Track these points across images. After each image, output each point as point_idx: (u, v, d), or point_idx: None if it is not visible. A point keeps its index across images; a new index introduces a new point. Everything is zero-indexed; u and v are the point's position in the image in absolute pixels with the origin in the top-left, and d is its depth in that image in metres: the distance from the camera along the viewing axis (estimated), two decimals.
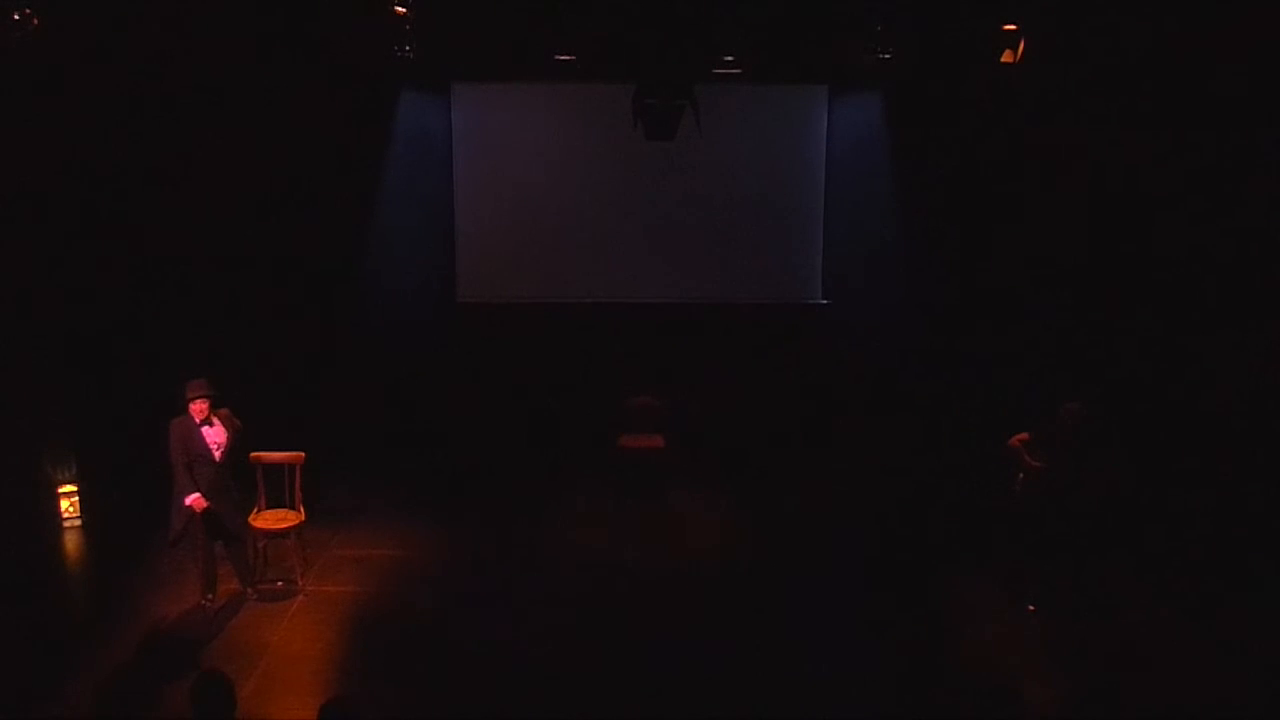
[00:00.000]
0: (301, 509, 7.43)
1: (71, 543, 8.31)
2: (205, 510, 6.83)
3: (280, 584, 7.44)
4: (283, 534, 7.34)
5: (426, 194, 10.50)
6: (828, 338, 10.63)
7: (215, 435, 6.92)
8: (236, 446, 7.04)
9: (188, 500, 6.80)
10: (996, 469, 7.64)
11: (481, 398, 10.41)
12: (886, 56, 8.53)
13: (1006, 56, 7.90)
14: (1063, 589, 7.17)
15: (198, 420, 6.85)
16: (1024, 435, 7.27)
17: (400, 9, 7.76)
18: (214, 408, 6.91)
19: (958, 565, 7.89)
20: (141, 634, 6.68)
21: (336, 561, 7.88)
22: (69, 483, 8.48)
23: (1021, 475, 7.27)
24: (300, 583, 7.40)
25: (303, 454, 7.38)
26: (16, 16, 6.42)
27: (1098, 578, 7.35)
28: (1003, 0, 7.81)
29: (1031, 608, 7.15)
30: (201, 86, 9.07)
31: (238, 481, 7.13)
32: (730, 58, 9.33)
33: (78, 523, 8.45)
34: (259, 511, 7.40)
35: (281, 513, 7.39)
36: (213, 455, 6.89)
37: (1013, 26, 7.82)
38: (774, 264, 10.65)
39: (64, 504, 8.44)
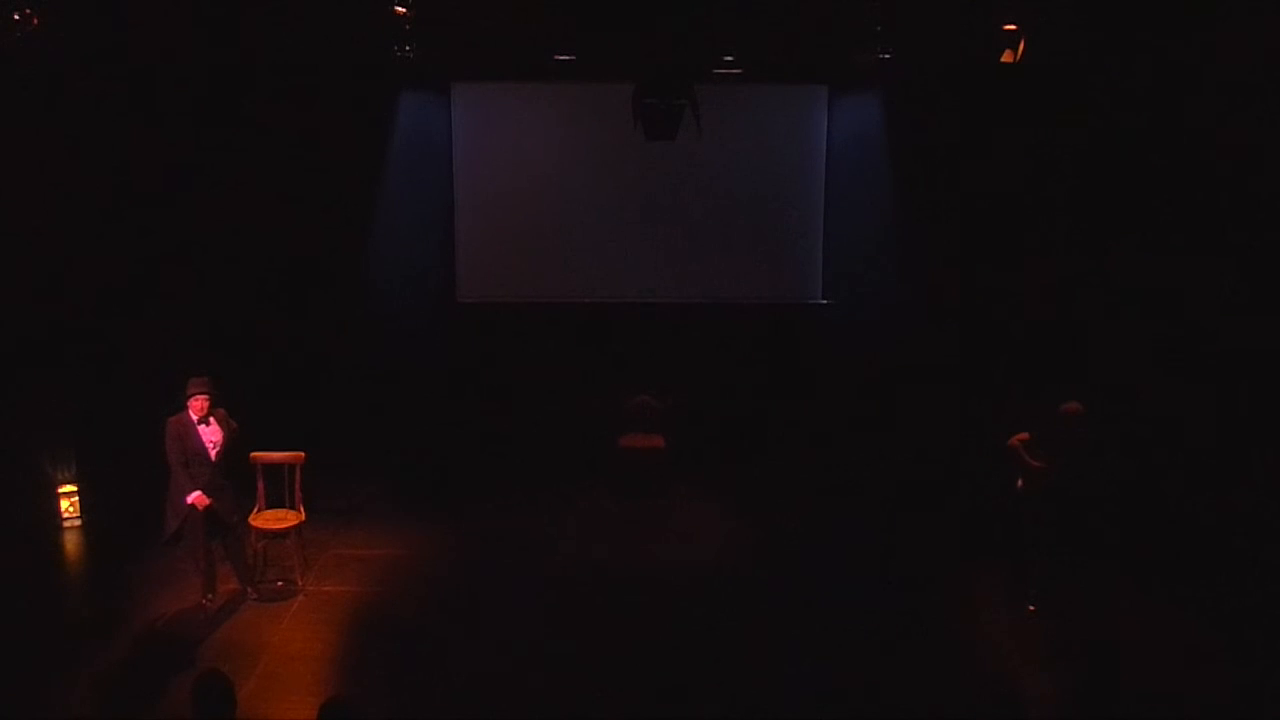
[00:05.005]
0: (301, 509, 7.43)
1: (71, 543, 8.31)
2: (204, 508, 6.83)
3: (280, 584, 7.43)
4: (283, 534, 7.34)
5: (426, 194, 10.50)
6: (828, 338, 10.63)
7: (211, 434, 6.93)
8: (232, 447, 7.04)
9: (189, 499, 6.81)
10: (997, 469, 7.64)
11: (481, 398, 10.41)
12: (886, 56, 8.53)
13: (1006, 56, 7.91)
14: (1063, 589, 7.17)
15: (195, 418, 6.86)
16: (1024, 435, 7.26)
17: (400, 9, 7.76)
18: (212, 407, 6.92)
19: (958, 565, 7.89)
20: (138, 632, 6.69)
21: (336, 561, 7.88)
22: (69, 483, 8.47)
23: (1022, 475, 7.27)
24: (300, 583, 7.40)
25: (303, 454, 7.38)
26: (16, 17, 6.43)
27: (1098, 577, 7.35)
28: (1003, 0, 7.81)
29: (1031, 608, 7.14)
30: (201, 86, 9.07)
31: (235, 481, 7.13)
32: (730, 58, 9.33)
33: (78, 523, 8.44)
34: (259, 511, 7.40)
35: (281, 513, 7.39)
36: (208, 455, 6.90)
37: (1013, 26, 7.82)
38: (774, 264, 10.65)
39: (64, 504, 8.43)
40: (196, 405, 6.85)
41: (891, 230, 10.47)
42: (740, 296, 10.62)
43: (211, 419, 6.93)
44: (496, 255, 10.60)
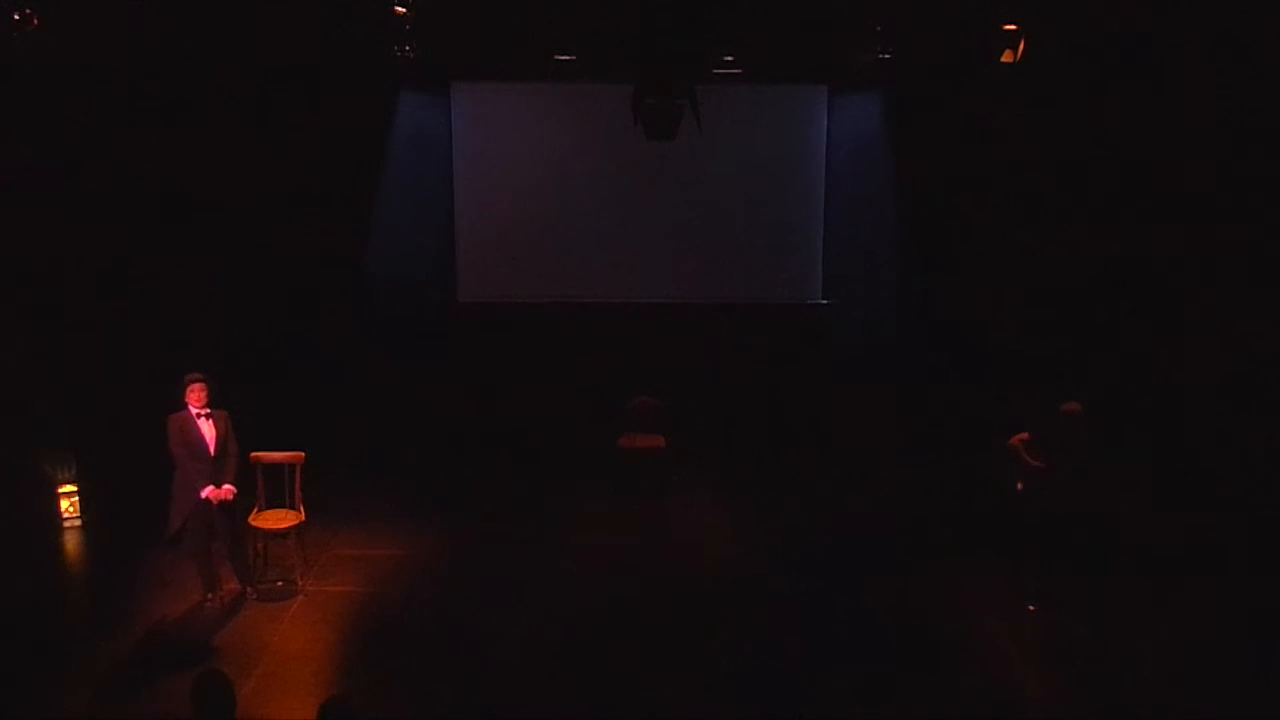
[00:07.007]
0: (301, 509, 7.43)
1: (71, 543, 8.31)
2: (205, 503, 6.83)
3: (280, 584, 7.43)
4: (283, 534, 7.34)
5: (426, 194, 10.51)
6: (828, 338, 10.63)
7: (210, 429, 6.95)
8: (229, 432, 7.05)
9: (204, 493, 6.82)
10: (997, 469, 7.63)
11: (481, 398, 10.41)
12: (886, 56, 8.53)
13: (1006, 56, 7.90)
14: (1063, 589, 7.17)
15: (196, 409, 6.88)
16: (1024, 435, 7.27)
17: (400, 9, 7.77)
18: (211, 399, 6.93)
19: (958, 564, 7.89)
20: (141, 633, 6.69)
21: (336, 561, 7.88)
22: (69, 483, 8.48)
23: (1022, 476, 7.27)
24: (300, 583, 7.40)
25: (303, 454, 7.38)
26: (16, 17, 6.43)
27: (1098, 577, 7.35)
28: (1003, 0, 7.81)
29: (1031, 607, 7.15)
30: (201, 86, 9.07)
31: (236, 481, 7.14)
32: (730, 58, 9.33)
33: (78, 523, 8.45)
34: (259, 511, 7.40)
35: (281, 513, 7.39)
36: (208, 450, 6.93)
37: (1013, 26, 7.82)
38: (774, 264, 10.65)
39: (64, 504, 8.43)
40: (195, 396, 6.87)
41: (891, 230, 10.48)
42: (740, 296, 10.62)
43: (209, 411, 6.95)
44: (496, 255, 10.60)
